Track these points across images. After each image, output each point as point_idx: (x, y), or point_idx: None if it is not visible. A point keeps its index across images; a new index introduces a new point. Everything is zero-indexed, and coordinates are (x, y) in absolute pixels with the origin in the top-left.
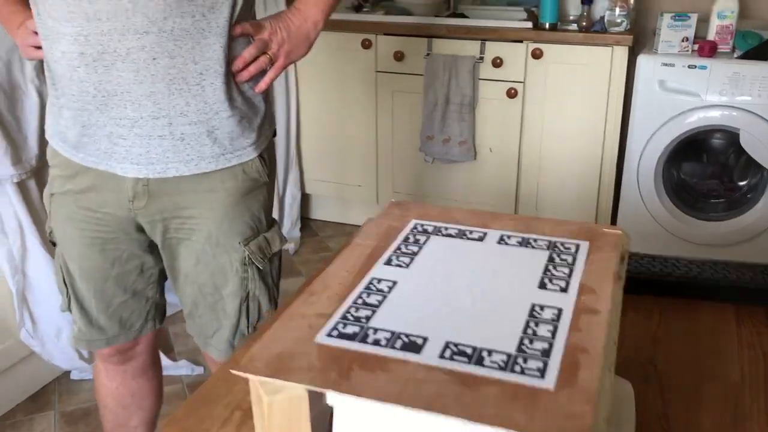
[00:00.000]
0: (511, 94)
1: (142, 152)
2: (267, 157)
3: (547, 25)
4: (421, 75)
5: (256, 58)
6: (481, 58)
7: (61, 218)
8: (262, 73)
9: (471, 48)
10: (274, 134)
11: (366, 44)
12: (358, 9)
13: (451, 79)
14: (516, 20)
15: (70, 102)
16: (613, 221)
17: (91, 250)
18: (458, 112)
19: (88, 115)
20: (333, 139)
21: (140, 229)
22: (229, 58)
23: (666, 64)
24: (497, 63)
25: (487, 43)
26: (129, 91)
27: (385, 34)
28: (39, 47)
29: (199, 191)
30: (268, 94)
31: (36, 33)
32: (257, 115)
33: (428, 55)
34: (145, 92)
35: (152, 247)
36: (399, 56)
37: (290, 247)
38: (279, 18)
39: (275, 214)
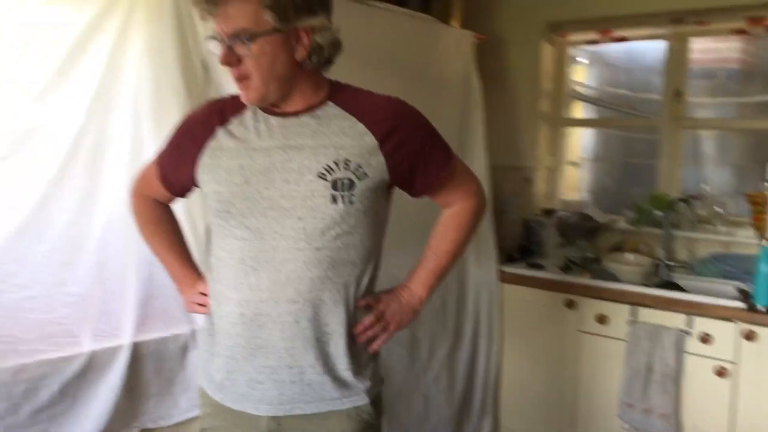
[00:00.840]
0: (721, 373)
1: (275, 395)
2: (378, 402)
3: (761, 307)
4: (624, 340)
5: (372, 324)
6: (688, 332)
7: None
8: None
9: (677, 320)
10: (382, 382)
11: (570, 304)
12: (565, 270)
13: (655, 349)
14: (726, 298)
15: (223, 350)
16: None
17: None
18: (661, 384)
19: (235, 363)
20: (532, 390)
21: None
22: (352, 322)
23: None
24: (705, 339)
25: (695, 317)
26: (273, 346)
27: (590, 297)
28: (202, 305)
29: (321, 430)
30: (377, 352)
31: (204, 294)
32: (369, 367)
33: (632, 321)
34: (286, 347)
35: None
36: (602, 319)
37: None
38: (393, 293)
39: None
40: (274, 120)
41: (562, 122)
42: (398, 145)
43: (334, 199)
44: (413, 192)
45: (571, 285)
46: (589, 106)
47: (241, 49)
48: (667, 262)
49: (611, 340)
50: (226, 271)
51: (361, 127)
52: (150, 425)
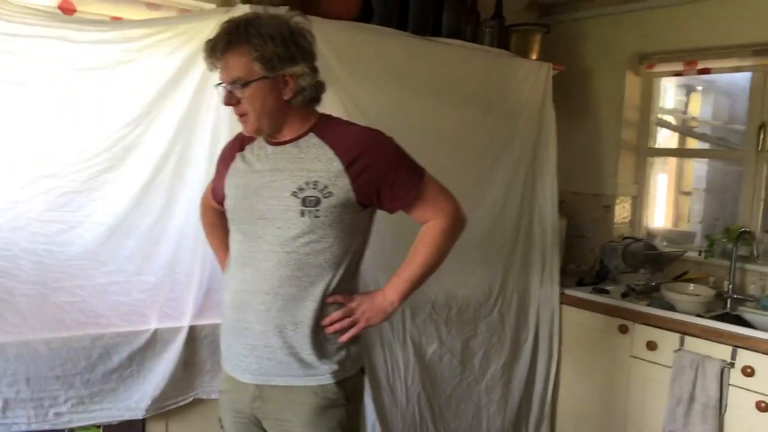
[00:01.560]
0: (761, 407)
1: (256, 367)
2: (347, 386)
3: None
4: (670, 367)
5: (342, 319)
6: (732, 364)
7: (223, 408)
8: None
9: (721, 351)
10: (363, 371)
11: (623, 329)
12: (625, 296)
13: (698, 378)
14: None
15: (224, 329)
16: None
17: (236, 429)
18: (702, 414)
19: (230, 339)
20: (585, 410)
21: (260, 423)
22: (320, 315)
23: None
24: (748, 372)
25: (739, 350)
26: (252, 328)
27: (643, 323)
28: None
29: (291, 402)
30: (356, 341)
31: None
32: (338, 354)
33: (678, 350)
34: (261, 330)
35: None
36: (652, 346)
37: None
38: (368, 294)
39: None
40: (269, 148)
41: (647, 152)
42: (363, 169)
43: (302, 213)
44: (385, 209)
45: (625, 310)
46: (702, 137)
47: (238, 93)
48: (733, 294)
49: (660, 367)
50: (230, 266)
51: (331, 154)
52: (203, 396)
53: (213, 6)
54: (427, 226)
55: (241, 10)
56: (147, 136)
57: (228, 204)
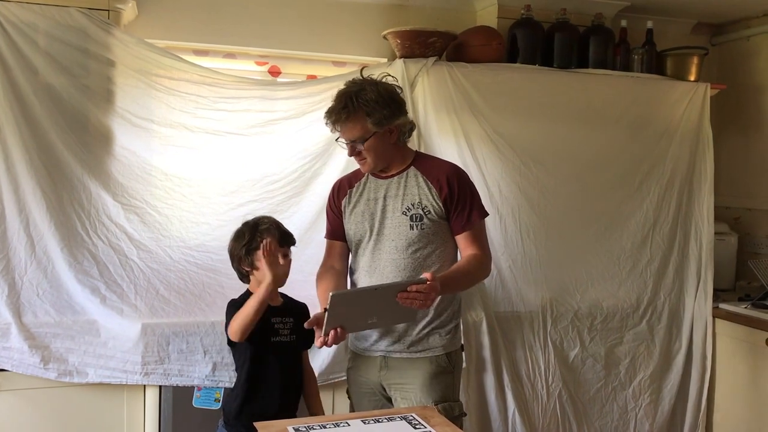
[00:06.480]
0: None
1: (384, 346)
2: (453, 357)
3: None
4: None
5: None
6: None
7: (350, 382)
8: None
9: None
10: (461, 348)
11: None
12: None
13: None
14: None
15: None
16: None
17: (361, 397)
18: None
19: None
20: (743, 418)
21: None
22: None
23: None
24: None
25: None
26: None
27: None
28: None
29: (411, 368)
30: (457, 324)
31: None
32: (447, 334)
33: None
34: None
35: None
36: None
37: None
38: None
39: None
40: (381, 181)
41: None
42: (448, 192)
43: (412, 227)
44: (453, 227)
45: None
46: None
47: (359, 147)
48: None
49: None
50: (359, 274)
51: (427, 182)
52: None
53: (385, 60)
54: (470, 253)
55: (399, 64)
56: (324, 168)
57: (352, 228)
